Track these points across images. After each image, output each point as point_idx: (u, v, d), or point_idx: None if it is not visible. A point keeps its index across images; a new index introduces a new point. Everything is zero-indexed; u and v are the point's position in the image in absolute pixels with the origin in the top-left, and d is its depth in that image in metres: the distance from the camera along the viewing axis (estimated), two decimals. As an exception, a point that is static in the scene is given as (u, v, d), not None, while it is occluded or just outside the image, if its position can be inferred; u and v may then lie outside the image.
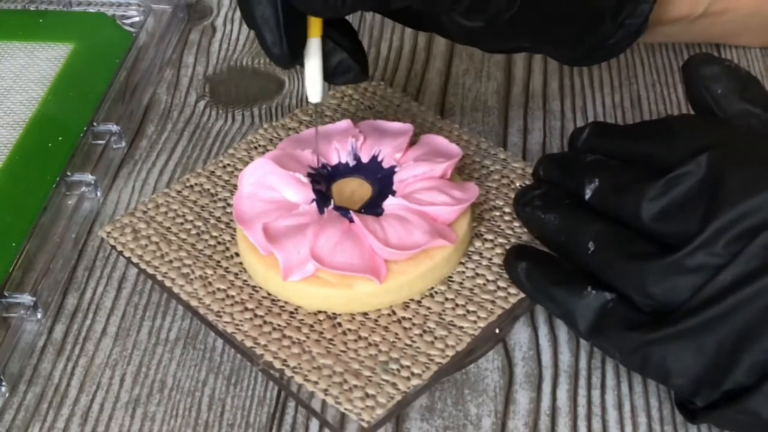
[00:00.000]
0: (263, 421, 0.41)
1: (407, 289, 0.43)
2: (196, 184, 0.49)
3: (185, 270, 0.44)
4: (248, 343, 0.41)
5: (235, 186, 0.48)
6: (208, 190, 0.49)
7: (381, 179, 0.46)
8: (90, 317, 0.45)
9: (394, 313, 0.43)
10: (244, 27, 0.63)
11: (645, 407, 0.41)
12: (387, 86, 0.55)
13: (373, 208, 0.44)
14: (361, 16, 0.63)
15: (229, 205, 0.48)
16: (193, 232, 0.46)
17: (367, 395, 0.39)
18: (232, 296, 0.43)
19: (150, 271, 0.45)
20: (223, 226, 0.47)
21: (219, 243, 0.46)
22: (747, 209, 0.36)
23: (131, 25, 0.62)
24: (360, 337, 0.42)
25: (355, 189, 0.46)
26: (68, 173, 0.51)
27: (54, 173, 0.50)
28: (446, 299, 0.43)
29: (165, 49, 0.60)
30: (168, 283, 0.44)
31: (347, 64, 0.42)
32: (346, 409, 0.39)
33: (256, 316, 0.42)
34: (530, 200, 0.43)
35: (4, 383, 0.42)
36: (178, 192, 0.48)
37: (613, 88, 0.57)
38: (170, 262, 0.45)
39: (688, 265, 0.37)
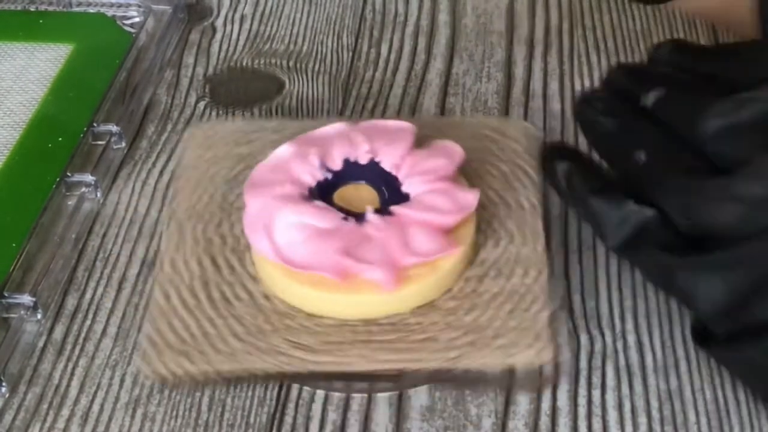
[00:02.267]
0: (263, 421, 0.41)
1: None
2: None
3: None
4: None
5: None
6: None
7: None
8: (90, 318, 0.45)
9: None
10: (244, 27, 0.63)
11: (645, 408, 0.41)
12: None
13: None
14: (362, 16, 0.63)
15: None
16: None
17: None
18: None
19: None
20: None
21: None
22: None
23: (131, 25, 0.62)
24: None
25: (361, 195, 0.46)
26: (68, 174, 0.51)
27: (54, 174, 0.50)
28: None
29: (165, 49, 0.60)
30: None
31: None
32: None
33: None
34: (591, 101, 0.41)
35: (4, 384, 0.42)
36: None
37: (613, 88, 0.57)
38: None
39: (739, 192, 0.35)
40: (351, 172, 0.46)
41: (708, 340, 0.38)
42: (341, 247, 0.42)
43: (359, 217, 0.43)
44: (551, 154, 0.42)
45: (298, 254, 0.42)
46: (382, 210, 0.44)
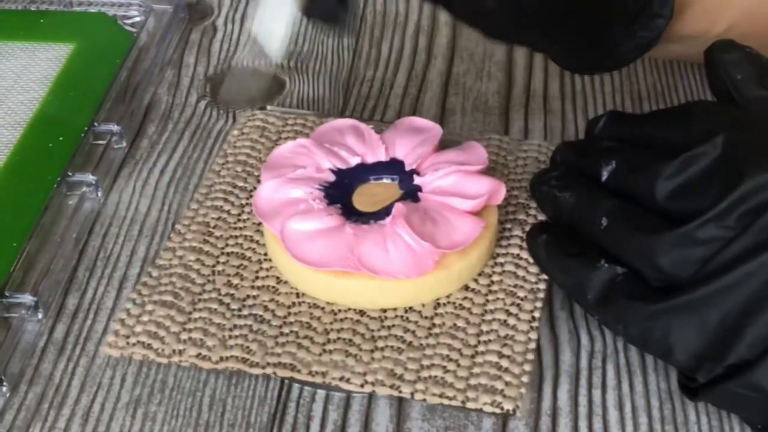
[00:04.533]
0: (264, 421, 0.41)
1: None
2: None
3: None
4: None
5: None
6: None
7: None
8: (91, 317, 0.45)
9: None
10: (245, 27, 0.63)
11: (646, 407, 0.41)
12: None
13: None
14: (362, 16, 0.63)
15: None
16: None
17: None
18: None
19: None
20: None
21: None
22: (762, 183, 0.36)
23: (132, 25, 0.62)
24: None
25: (378, 192, 0.46)
26: (69, 173, 0.51)
27: (55, 173, 0.50)
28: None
29: (166, 49, 0.60)
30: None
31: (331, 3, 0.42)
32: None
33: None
34: (547, 180, 0.43)
35: (5, 383, 0.42)
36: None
37: (614, 88, 0.57)
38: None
39: (698, 237, 0.37)
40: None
41: (696, 391, 0.39)
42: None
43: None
44: (534, 229, 0.44)
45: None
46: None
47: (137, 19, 0.62)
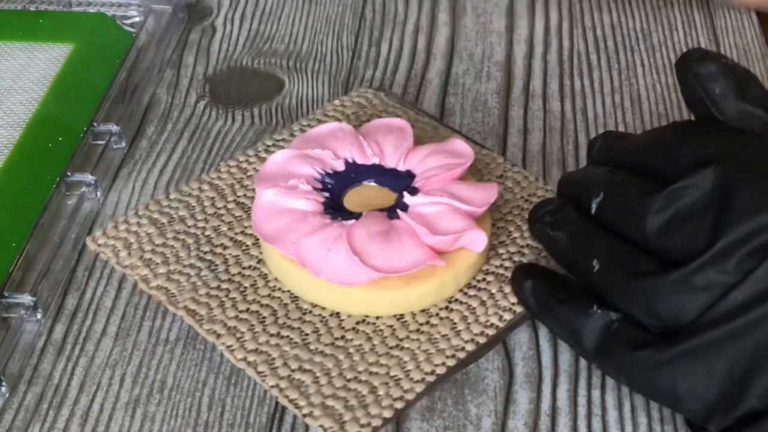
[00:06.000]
0: (263, 421, 0.41)
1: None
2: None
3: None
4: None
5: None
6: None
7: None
8: (90, 317, 0.45)
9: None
10: (244, 27, 0.63)
11: (645, 407, 0.41)
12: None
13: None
14: (362, 15, 0.63)
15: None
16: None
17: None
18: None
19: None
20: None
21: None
22: (759, 225, 0.35)
23: (131, 25, 0.62)
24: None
25: (372, 196, 0.46)
26: (68, 173, 0.51)
27: (54, 173, 0.50)
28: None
29: (165, 49, 0.60)
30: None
31: None
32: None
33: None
34: (541, 217, 0.42)
35: (4, 383, 0.42)
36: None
37: (613, 88, 0.57)
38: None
39: (696, 283, 0.36)
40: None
41: None
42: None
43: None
44: (517, 274, 0.43)
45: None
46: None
47: (136, 19, 0.62)
